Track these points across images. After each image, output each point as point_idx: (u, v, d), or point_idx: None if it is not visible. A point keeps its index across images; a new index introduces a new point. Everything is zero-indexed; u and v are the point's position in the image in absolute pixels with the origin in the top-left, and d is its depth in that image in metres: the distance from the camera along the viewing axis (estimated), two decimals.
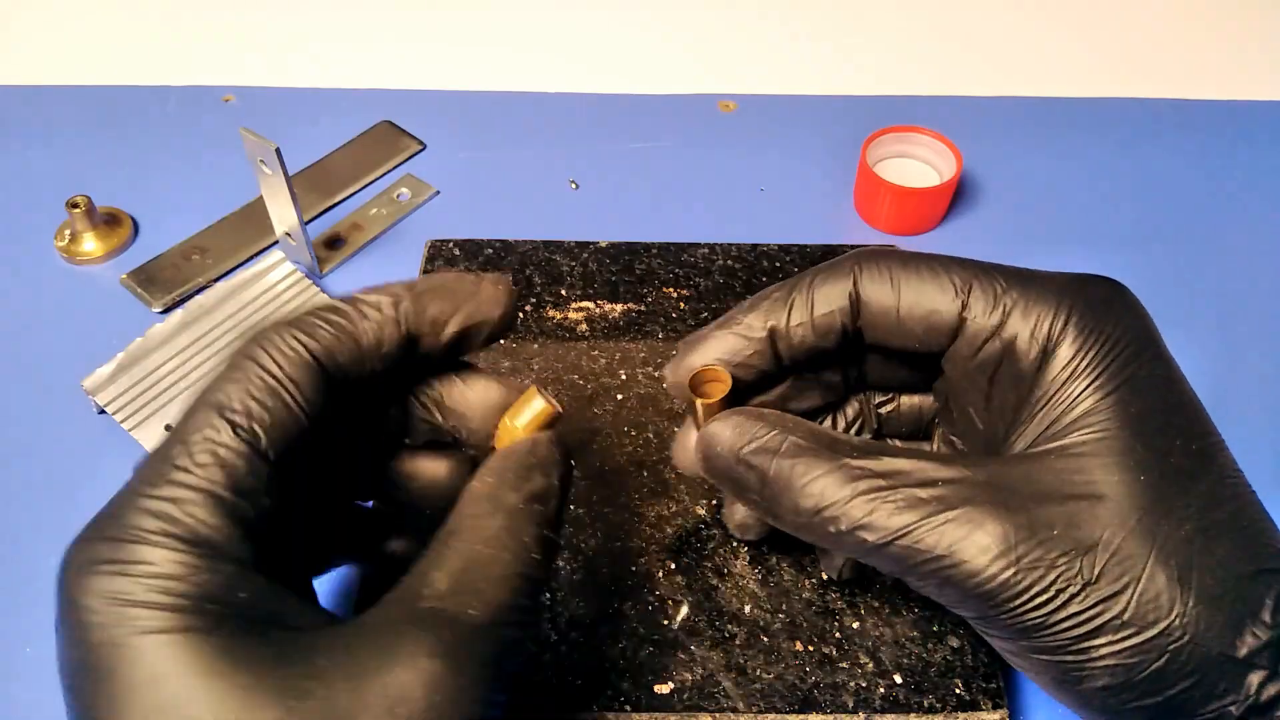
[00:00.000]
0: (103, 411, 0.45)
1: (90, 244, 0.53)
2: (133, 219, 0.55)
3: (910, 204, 0.54)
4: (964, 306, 0.28)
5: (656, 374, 0.45)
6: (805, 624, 0.36)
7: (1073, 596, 0.24)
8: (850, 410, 0.34)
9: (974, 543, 0.24)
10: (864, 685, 0.35)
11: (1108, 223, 0.57)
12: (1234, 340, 0.51)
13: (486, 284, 0.27)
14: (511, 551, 0.24)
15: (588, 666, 0.35)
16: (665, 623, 0.36)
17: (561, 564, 0.38)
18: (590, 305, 0.48)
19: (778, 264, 0.50)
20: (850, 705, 0.34)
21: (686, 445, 0.31)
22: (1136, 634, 0.23)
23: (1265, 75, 0.66)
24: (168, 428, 0.45)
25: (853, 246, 0.51)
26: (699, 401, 0.29)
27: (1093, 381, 0.26)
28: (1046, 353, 0.27)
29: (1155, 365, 0.26)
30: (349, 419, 0.27)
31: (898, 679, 0.35)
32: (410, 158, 0.59)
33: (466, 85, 0.64)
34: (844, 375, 0.32)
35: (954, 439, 0.32)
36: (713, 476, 0.29)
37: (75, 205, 0.52)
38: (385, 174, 0.58)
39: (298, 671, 0.21)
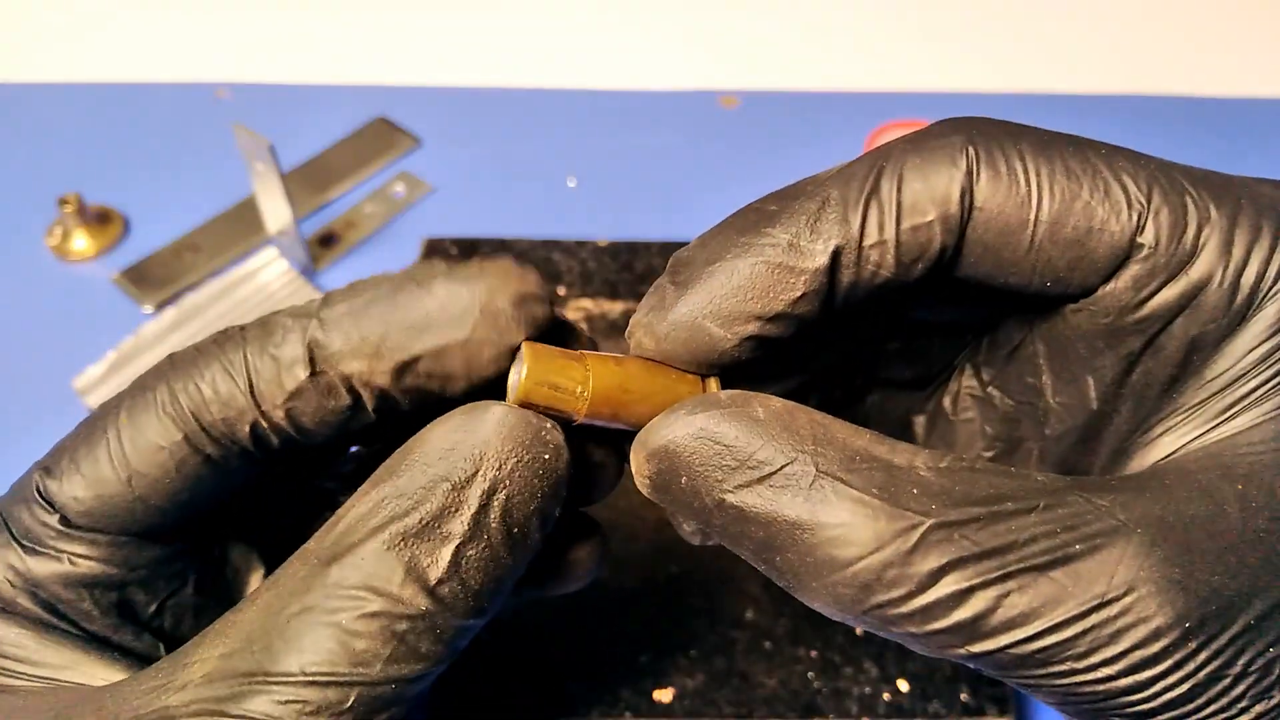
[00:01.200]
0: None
1: (81, 242, 0.52)
2: (124, 216, 0.54)
3: None
4: (1139, 227, 0.17)
5: None
6: (809, 629, 0.36)
7: (1257, 693, 0.16)
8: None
9: (1135, 652, 0.15)
10: (868, 691, 0.34)
11: None
12: None
13: (440, 282, 0.18)
14: (305, 631, 0.15)
15: (588, 672, 0.34)
16: (666, 628, 0.36)
17: None
18: (589, 304, 0.47)
19: None
20: (854, 711, 0.34)
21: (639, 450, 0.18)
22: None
23: (1274, 72, 0.65)
24: None
25: None
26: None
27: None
28: (1247, 309, 0.17)
29: None
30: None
31: (903, 685, 0.34)
32: (405, 154, 0.59)
33: (463, 81, 0.63)
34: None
35: (997, 398, 0.21)
36: (669, 507, 0.18)
37: (66, 203, 0.51)
38: (380, 171, 0.58)
39: None
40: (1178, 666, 0.15)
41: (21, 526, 0.19)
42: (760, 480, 0.16)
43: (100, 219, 0.53)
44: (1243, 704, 0.15)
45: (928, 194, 0.17)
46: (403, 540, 0.16)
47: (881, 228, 0.17)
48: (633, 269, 0.49)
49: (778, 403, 0.17)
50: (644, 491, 0.18)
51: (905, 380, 0.23)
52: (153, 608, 0.20)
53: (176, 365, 0.18)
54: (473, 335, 0.17)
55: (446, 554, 0.16)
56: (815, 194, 0.18)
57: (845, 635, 0.36)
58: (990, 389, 0.21)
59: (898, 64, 0.66)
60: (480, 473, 0.16)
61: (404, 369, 0.18)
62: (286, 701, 0.15)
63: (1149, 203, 0.18)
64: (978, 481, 0.16)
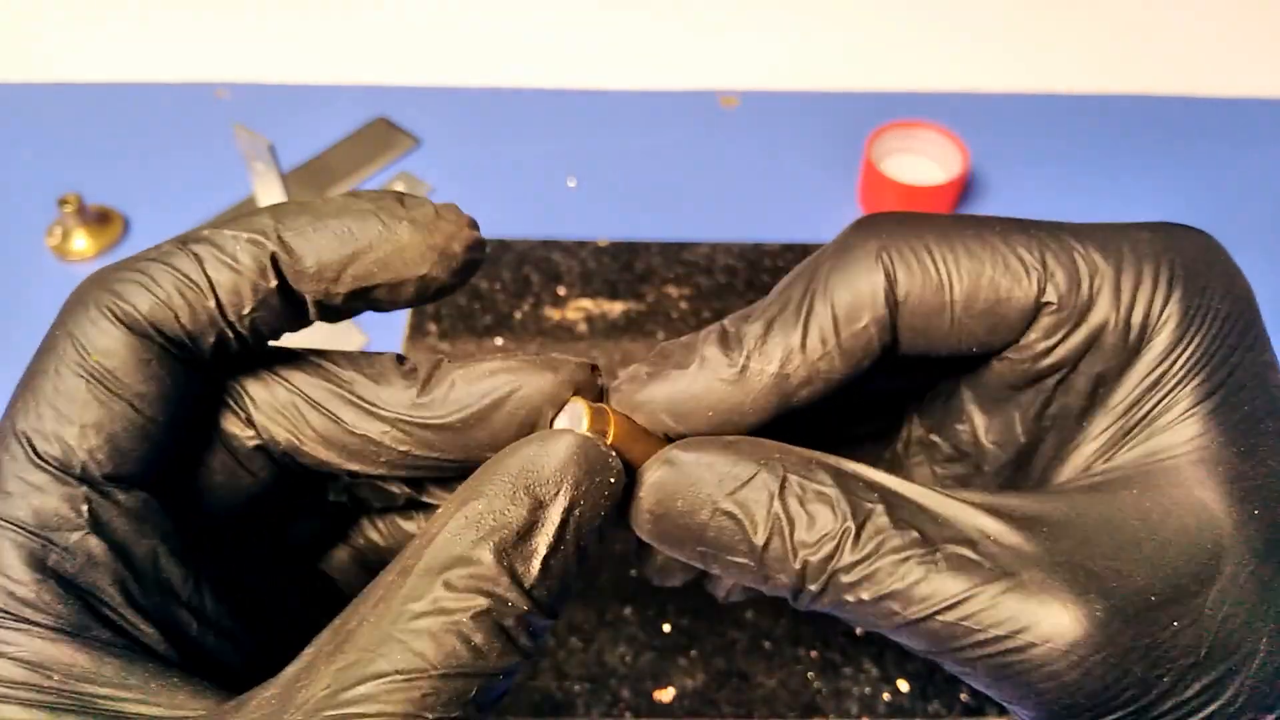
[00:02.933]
0: None
1: (81, 242, 0.52)
2: (124, 216, 0.54)
3: (916, 201, 0.53)
4: (1041, 291, 0.20)
5: None
6: (809, 629, 0.36)
7: (1174, 685, 0.18)
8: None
9: (1048, 622, 0.17)
10: (868, 691, 0.34)
11: (1113, 220, 0.56)
12: None
13: (406, 224, 0.19)
14: (419, 635, 0.16)
15: (588, 673, 0.34)
16: (666, 629, 0.36)
17: None
18: (589, 304, 0.47)
19: (780, 263, 0.49)
20: (854, 711, 0.34)
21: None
22: None
23: (1273, 73, 0.65)
24: None
25: None
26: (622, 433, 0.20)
27: (1192, 379, 0.20)
28: (1141, 342, 0.20)
29: (1258, 351, 0.20)
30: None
31: (902, 685, 0.34)
32: (405, 154, 0.59)
33: (463, 82, 0.63)
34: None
35: (939, 445, 0.24)
36: (667, 542, 0.20)
37: (66, 203, 0.51)
38: (380, 171, 0.58)
39: None
40: (1085, 641, 0.17)
41: (36, 516, 0.17)
42: (741, 486, 0.19)
43: (100, 219, 0.53)
44: (1156, 672, 0.17)
45: (857, 303, 0.20)
46: (504, 550, 0.17)
47: (824, 341, 0.20)
48: (632, 269, 0.49)
49: (738, 436, 0.20)
50: (642, 528, 0.20)
51: (863, 437, 0.26)
52: (190, 589, 0.19)
53: (122, 288, 0.18)
54: (429, 272, 0.20)
55: (537, 562, 0.18)
56: (756, 315, 0.21)
57: (845, 636, 0.36)
58: (932, 436, 0.25)
59: (897, 65, 0.66)
60: (561, 492, 0.18)
61: (357, 291, 0.20)
62: (423, 695, 0.16)
63: (1044, 267, 0.20)
64: (911, 483, 0.19)
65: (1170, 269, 0.20)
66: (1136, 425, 0.20)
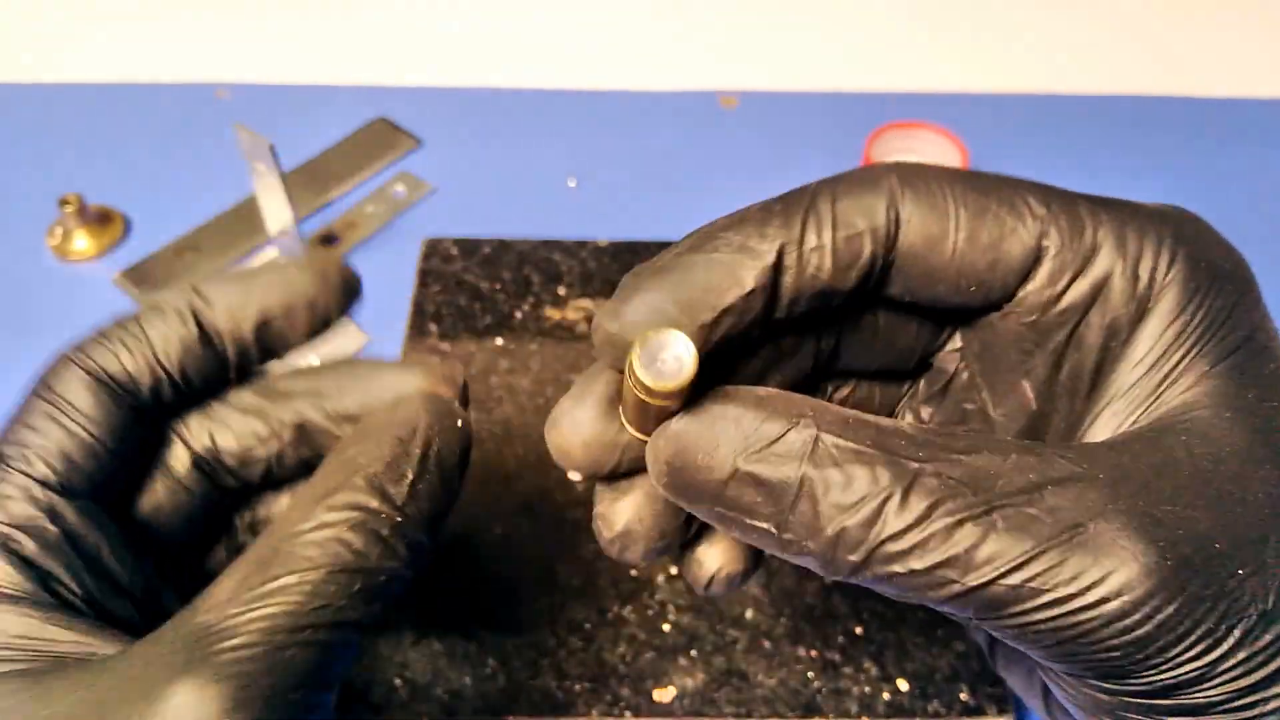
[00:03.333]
0: None
1: (82, 242, 0.52)
2: (125, 217, 0.54)
3: None
4: (1043, 232, 0.20)
5: None
6: (808, 628, 0.36)
7: (1245, 636, 0.17)
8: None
9: (1120, 574, 0.16)
10: (868, 691, 0.34)
11: None
12: None
13: (291, 265, 0.24)
14: (309, 545, 0.20)
15: (588, 672, 0.34)
16: (666, 628, 0.36)
17: (560, 568, 0.37)
18: (589, 304, 0.47)
19: None
20: (854, 711, 0.34)
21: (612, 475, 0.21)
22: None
23: (1273, 73, 0.65)
24: None
25: None
26: (643, 392, 0.18)
27: (1209, 338, 0.19)
28: (1150, 297, 0.20)
29: (1264, 318, 0.21)
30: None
31: (902, 684, 0.34)
32: (406, 155, 0.59)
33: (463, 82, 0.64)
34: (811, 352, 0.23)
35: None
36: (684, 497, 0.19)
37: (67, 203, 0.51)
38: (381, 171, 0.58)
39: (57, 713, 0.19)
40: (1158, 592, 0.17)
41: (4, 513, 0.21)
42: (768, 445, 0.18)
43: (101, 219, 0.53)
44: (1228, 621, 0.17)
45: (858, 210, 0.20)
46: (375, 476, 0.21)
47: (820, 235, 0.20)
48: (633, 268, 0.49)
49: (773, 389, 0.19)
50: (659, 479, 0.19)
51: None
52: (129, 577, 0.23)
53: (85, 346, 0.23)
54: (315, 300, 0.25)
55: (405, 485, 0.22)
56: (762, 210, 0.20)
57: (845, 635, 0.36)
58: (938, 420, 0.24)
59: (897, 65, 0.66)
60: (419, 432, 0.22)
61: (262, 325, 0.24)
62: (314, 589, 0.20)
63: (1048, 211, 0.20)
64: (956, 436, 0.18)
65: (1174, 228, 0.20)
66: (1163, 380, 0.19)
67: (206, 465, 0.25)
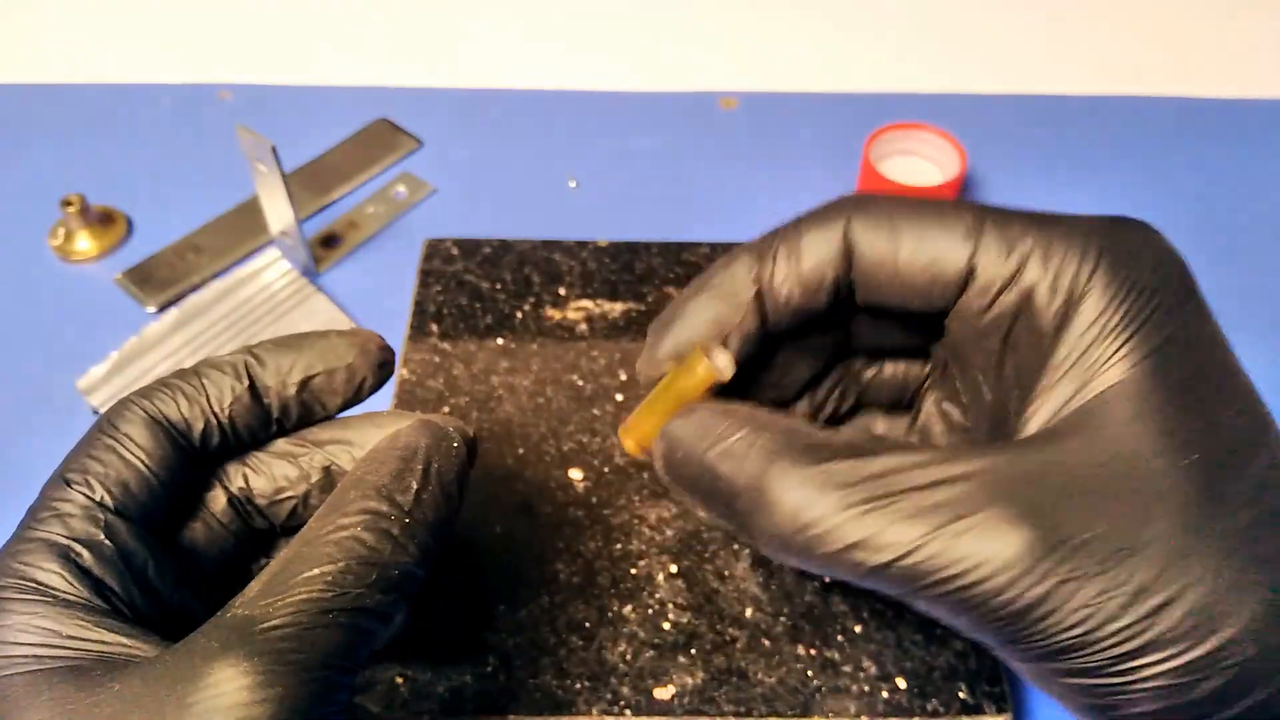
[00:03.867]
0: (97, 412, 0.45)
1: (84, 243, 0.52)
2: (127, 217, 0.55)
3: None
4: (974, 252, 0.24)
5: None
6: (807, 627, 0.36)
7: (1118, 610, 0.20)
8: (830, 380, 0.30)
9: (996, 555, 0.20)
10: (867, 689, 0.34)
11: None
12: (1236, 337, 0.50)
13: (335, 334, 0.28)
14: (329, 544, 0.23)
15: (589, 671, 0.35)
16: (665, 627, 0.36)
17: (560, 567, 0.37)
18: (590, 305, 0.47)
19: None
20: (853, 710, 0.34)
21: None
22: (1191, 648, 0.20)
23: (1273, 73, 0.66)
24: None
25: None
26: (682, 392, 0.25)
27: (1125, 341, 0.22)
28: (1070, 305, 0.23)
29: (1196, 321, 0.23)
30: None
31: (901, 683, 0.35)
32: (407, 155, 0.59)
33: (464, 83, 0.64)
34: (831, 339, 0.28)
35: (951, 411, 0.28)
36: (676, 485, 0.25)
37: (69, 204, 0.51)
38: (382, 172, 0.58)
39: (98, 710, 0.21)
40: (1032, 570, 0.20)
41: (67, 529, 0.24)
42: (724, 446, 0.23)
43: (103, 220, 0.53)
44: (1099, 599, 0.20)
45: (819, 242, 0.26)
46: (383, 486, 0.24)
47: (787, 268, 0.26)
48: (633, 269, 0.49)
49: (739, 404, 0.25)
50: (660, 470, 0.25)
51: (884, 404, 0.31)
52: (169, 591, 0.25)
53: (148, 392, 0.26)
54: (354, 368, 0.28)
55: (411, 494, 0.24)
56: (742, 251, 0.27)
57: (844, 634, 0.36)
58: (944, 405, 0.29)
59: (896, 67, 0.66)
60: (419, 451, 0.25)
61: (305, 384, 0.28)
62: (332, 579, 0.22)
63: (981, 232, 0.24)
64: (875, 442, 0.23)
65: (1098, 243, 0.24)
66: (1082, 381, 0.22)
67: (240, 506, 0.28)
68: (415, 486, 0.25)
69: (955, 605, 0.21)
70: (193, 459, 0.27)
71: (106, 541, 0.24)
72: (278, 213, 0.50)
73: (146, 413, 0.26)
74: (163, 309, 0.50)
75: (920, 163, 0.56)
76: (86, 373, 0.45)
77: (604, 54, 0.66)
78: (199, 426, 0.26)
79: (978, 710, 0.34)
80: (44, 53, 0.65)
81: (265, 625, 0.21)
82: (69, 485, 0.24)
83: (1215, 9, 0.69)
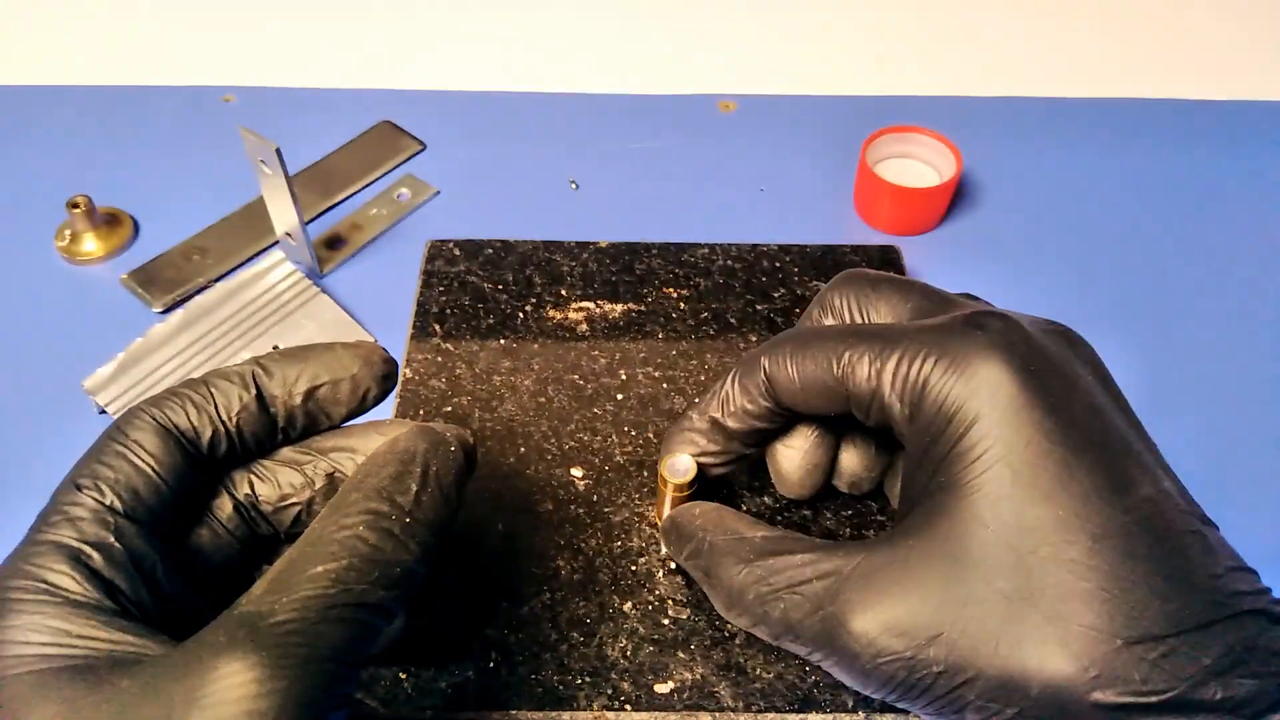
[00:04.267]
0: (103, 412, 0.45)
1: (91, 244, 0.53)
2: (133, 219, 0.55)
3: (910, 204, 0.54)
4: (845, 377, 0.29)
5: (656, 374, 0.45)
6: None
7: (932, 683, 0.25)
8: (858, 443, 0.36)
9: (843, 644, 0.26)
10: None
11: (1107, 223, 0.57)
12: (1235, 338, 0.51)
13: (340, 346, 0.29)
14: (333, 543, 0.24)
15: (589, 666, 0.35)
16: (665, 623, 0.36)
17: (561, 564, 0.38)
18: (590, 305, 0.48)
19: (777, 264, 0.50)
20: (850, 705, 0.34)
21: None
22: (1001, 709, 0.24)
23: (1267, 75, 0.66)
24: None
25: (852, 247, 0.51)
26: (670, 490, 0.35)
27: (983, 456, 0.26)
28: (913, 413, 0.28)
29: (1029, 417, 0.25)
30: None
31: None
32: (410, 158, 0.60)
33: (467, 85, 0.64)
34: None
35: (895, 496, 0.35)
36: (678, 554, 0.34)
37: (75, 205, 0.52)
38: (385, 174, 0.58)
39: (108, 706, 0.21)
40: (874, 645, 0.26)
41: (78, 531, 0.24)
42: (689, 543, 0.33)
43: (109, 221, 0.54)
44: (916, 677, 0.25)
45: (746, 385, 0.33)
46: (383, 488, 0.26)
47: (729, 406, 0.34)
48: (633, 270, 0.50)
49: (708, 506, 0.33)
50: (664, 540, 0.36)
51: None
52: (177, 591, 0.26)
53: (158, 401, 0.27)
54: (357, 372, 0.29)
55: (410, 495, 0.26)
56: (703, 400, 0.35)
57: None
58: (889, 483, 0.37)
59: (893, 70, 0.66)
60: (418, 455, 0.27)
61: (310, 394, 0.28)
62: (337, 576, 0.23)
63: (850, 360, 0.29)
64: (782, 540, 0.30)
65: (932, 353, 0.27)
66: (923, 483, 0.27)
67: (246, 512, 0.29)
68: (415, 488, 0.26)
69: (833, 669, 0.27)
70: (200, 466, 0.27)
71: (116, 544, 0.24)
72: (282, 214, 0.50)
73: (156, 420, 0.26)
74: (168, 310, 0.51)
75: (917, 165, 0.57)
76: (92, 373, 0.45)
77: (605, 57, 0.67)
78: (207, 434, 0.27)
79: None
80: (50, 55, 0.66)
81: (272, 621, 0.22)
82: (79, 490, 0.25)
83: (1209, 12, 0.70)
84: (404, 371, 0.45)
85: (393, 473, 0.26)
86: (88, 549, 0.24)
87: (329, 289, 0.52)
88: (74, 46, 0.66)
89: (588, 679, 0.35)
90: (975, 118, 0.62)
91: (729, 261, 0.50)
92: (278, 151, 0.46)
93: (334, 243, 0.54)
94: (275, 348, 0.48)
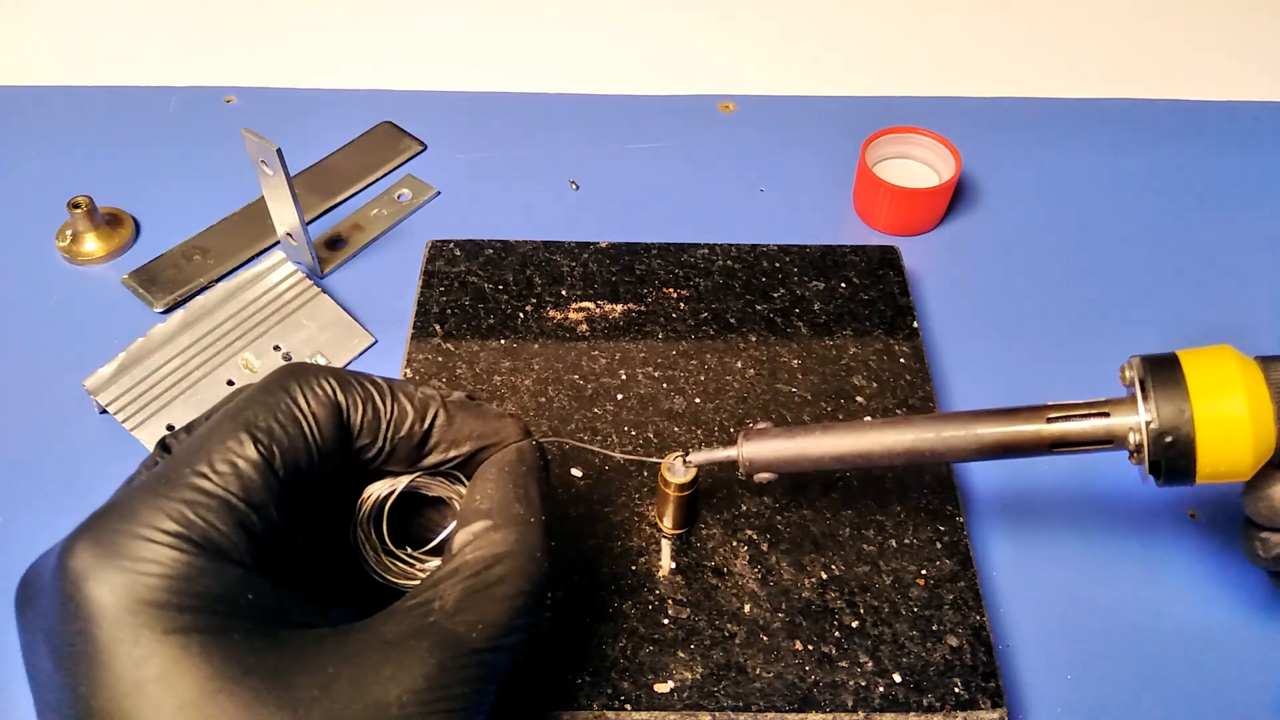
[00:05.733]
0: (104, 411, 0.45)
1: (92, 244, 0.53)
2: (134, 219, 0.55)
3: (909, 204, 0.54)
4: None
5: (656, 374, 0.45)
6: (805, 623, 0.36)
7: None
8: None
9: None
10: (863, 684, 0.35)
11: (1106, 223, 0.57)
12: (1234, 338, 0.51)
13: (512, 420, 0.30)
14: (519, 570, 0.26)
15: (588, 666, 0.35)
16: (665, 623, 0.36)
17: (561, 564, 0.38)
18: (590, 305, 0.48)
19: (777, 264, 0.50)
20: (849, 704, 0.34)
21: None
22: None
23: (1264, 76, 0.66)
24: (169, 428, 0.45)
25: (852, 247, 0.51)
26: (670, 490, 0.37)
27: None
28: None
29: None
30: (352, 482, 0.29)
31: (897, 678, 0.35)
32: (411, 158, 0.60)
33: (467, 86, 0.64)
34: None
35: None
36: None
37: (77, 205, 0.52)
38: (386, 175, 0.59)
39: (305, 679, 0.22)
40: None
41: (245, 491, 0.24)
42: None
43: (110, 222, 0.54)
44: None
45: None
46: (538, 508, 0.30)
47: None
48: (633, 270, 0.50)
49: None
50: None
51: None
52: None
53: (344, 383, 0.27)
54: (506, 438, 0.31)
55: (537, 506, 0.30)
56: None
57: (840, 629, 0.36)
58: None
59: (892, 71, 0.66)
60: (534, 467, 0.31)
61: (472, 455, 0.30)
62: (518, 608, 0.26)
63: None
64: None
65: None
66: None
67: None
68: (546, 513, 0.29)
69: None
70: (345, 459, 0.28)
71: (275, 515, 0.24)
72: (283, 215, 0.50)
73: (338, 406, 0.26)
74: (169, 310, 0.51)
75: (916, 165, 0.57)
76: (93, 373, 0.45)
77: (605, 57, 0.67)
78: (369, 444, 0.27)
79: (973, 705, 0.34)
80: (52, 56, 0.66)
81: (473, 648, 0.25)
82: (255, 443, 0.24)
83: (1209, 12, 0.70)
84: (404, 371, 0.45)
85: (536, 498, 0.28)
86: (254, 517, 0.24)
87: (330, 289, 0.52)
88: (75, 47, 0.66)
89: (587, 678, 0.35)
90: (975, 118, 0.62)
91: (729, 262, 0.50)
92: (279, 152, 0.46)
93: (335, 243, 0.54)
94: (276, 348, 0.48)
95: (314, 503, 0.29)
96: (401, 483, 0.30)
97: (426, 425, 0.28)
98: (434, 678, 0.23)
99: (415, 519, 0.31)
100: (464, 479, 0.30)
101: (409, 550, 0.30)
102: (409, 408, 0.28)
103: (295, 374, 0.26)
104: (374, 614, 0.25)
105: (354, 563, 0.30)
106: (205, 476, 0.24)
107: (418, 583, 0.29)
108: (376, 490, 0.30)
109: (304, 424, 0.25)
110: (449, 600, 0.25)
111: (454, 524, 0.28)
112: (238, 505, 0.24)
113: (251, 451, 0.24)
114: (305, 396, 0.26)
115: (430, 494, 0.31)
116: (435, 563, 0.30)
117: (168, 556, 0.22)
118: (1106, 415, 0.31)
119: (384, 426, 0.27)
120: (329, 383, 0.26)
